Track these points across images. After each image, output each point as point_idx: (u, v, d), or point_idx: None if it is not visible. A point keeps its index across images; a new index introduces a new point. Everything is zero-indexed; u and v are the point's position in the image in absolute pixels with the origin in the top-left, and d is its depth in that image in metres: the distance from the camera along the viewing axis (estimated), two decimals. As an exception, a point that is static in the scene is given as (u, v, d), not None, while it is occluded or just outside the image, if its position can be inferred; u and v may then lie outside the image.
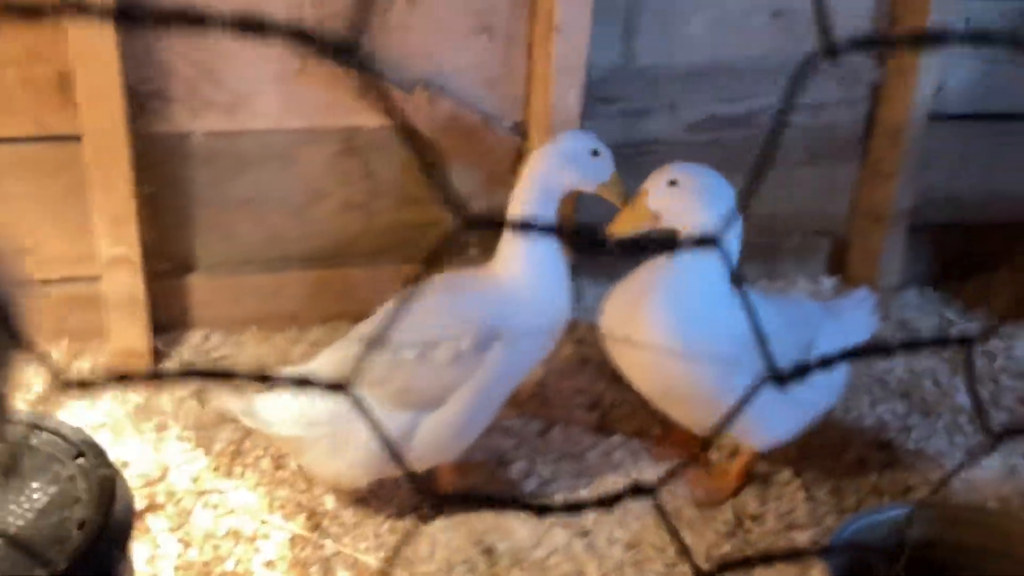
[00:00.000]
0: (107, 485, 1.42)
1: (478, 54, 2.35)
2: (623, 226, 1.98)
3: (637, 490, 0.61)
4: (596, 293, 2.48)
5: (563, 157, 1.96)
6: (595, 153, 1.99)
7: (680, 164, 1.96)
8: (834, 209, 2.79)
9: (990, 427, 0.52)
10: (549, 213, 1.96)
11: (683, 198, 1.92)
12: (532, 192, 1.95)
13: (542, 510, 0.59)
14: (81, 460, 1.47)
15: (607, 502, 0.60)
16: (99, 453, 1.48)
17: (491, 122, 2.41)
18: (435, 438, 1.89)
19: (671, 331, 1.90)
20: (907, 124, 2.61)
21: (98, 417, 2.20)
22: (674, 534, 0.58)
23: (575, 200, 2.42)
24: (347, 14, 2.23)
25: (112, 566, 1.37)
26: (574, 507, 0.59)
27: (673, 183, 1.93)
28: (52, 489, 1.44)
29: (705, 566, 1.92)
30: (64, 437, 1.51)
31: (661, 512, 0.62)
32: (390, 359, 1.84)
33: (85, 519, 1.38)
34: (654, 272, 1.95)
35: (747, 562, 0.60)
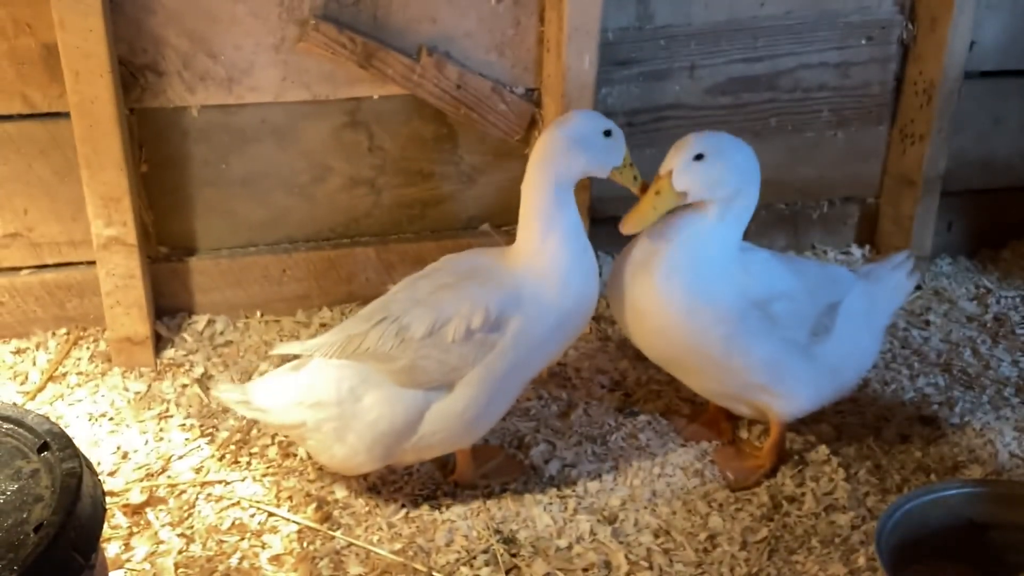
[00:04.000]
0: (70, 482, 1.29)
1: (486, 17, 2.25)
2: (645, 217, 1.84)
3: None
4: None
5: (572, 141, 1.81)
6: (607, 134, 1.84)
7: (699, 134, 1.84)
8: (864, 175, 2.69)
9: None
10: (565, 199, 1.82)
11: (713, 170, 1.81)
12: (543, 180, 1.81)
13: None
14: (47, 454, 1.35)
15: None
16: (66, 446, 1.35)
17: (501, 89, 2.30)
18: (446, 424, 1.81)
19: (678, 294, 1.83)
20: (939, 82, 2.49)
21: (98, 406, 2.12)
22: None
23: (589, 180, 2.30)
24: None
25: (73, 575, 1.24)
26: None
27: (699, 157, 1.81)
28: (13, 487, 1.32)
29: (740, 551, 1.81)
30: (29, 428, 1.38)
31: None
32: (398, 335, 1.77)
33: (43, 521, 1.24)
34: (659, 238, 1.86)
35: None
